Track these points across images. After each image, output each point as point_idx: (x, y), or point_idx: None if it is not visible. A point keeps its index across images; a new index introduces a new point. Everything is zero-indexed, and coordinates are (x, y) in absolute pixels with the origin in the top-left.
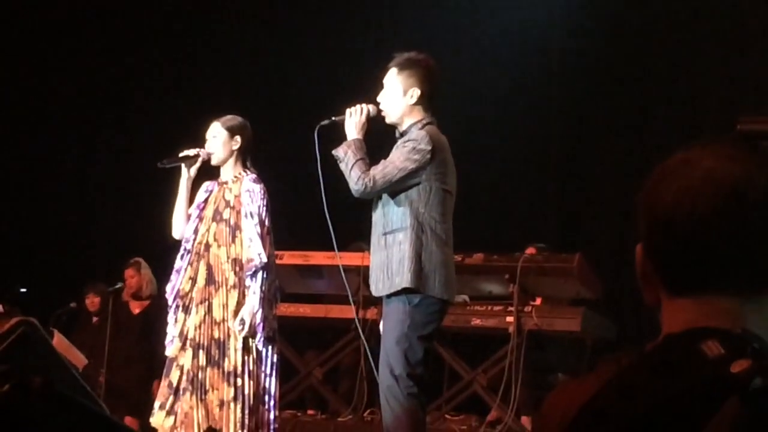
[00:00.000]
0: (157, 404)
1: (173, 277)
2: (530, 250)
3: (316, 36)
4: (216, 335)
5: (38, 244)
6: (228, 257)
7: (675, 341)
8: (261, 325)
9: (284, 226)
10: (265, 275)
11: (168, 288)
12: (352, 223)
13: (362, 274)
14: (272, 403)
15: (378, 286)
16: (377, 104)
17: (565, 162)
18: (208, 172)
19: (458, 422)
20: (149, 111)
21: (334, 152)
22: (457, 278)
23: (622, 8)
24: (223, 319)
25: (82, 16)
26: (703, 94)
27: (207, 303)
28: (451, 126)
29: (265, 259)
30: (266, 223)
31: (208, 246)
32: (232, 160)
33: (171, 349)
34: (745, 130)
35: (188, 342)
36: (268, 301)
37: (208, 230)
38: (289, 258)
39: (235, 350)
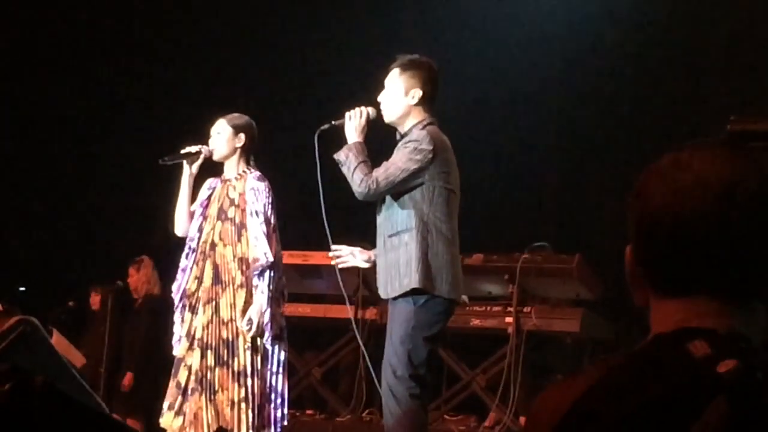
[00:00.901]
0: (165, 404)
1: (179, 276)
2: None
3: (325, 34)
4: (224, 335)
5: (38, 243)
6: (234, 256)
7: (663, 341)
8: (269, 324)
9: (284, 226)
10: (272, 274)
11: (174, 287)
12: (355, 224)
13: (361, 274)
14: (279, 401)
15: (387, 289)
16: (377, 105)
17: (564, 163)
18: (212, 168)
19: (457, 423)
20: (152, 108)
21: (335, 156)
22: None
23: (623, 13)
24: (231, 319)
25: (87, 12)
26: (704, 93)
27: (214, 303)
28: (451, 127)
29: (271, 258)
30: (272, 221)
31: (213, 245)
32: (235, 158)
33: (178, 349)
34: (735, 131)
35: (196, 342)
36: (275, 299)
37: (213, 229)
38: (289, 258)
39: (244, 350)
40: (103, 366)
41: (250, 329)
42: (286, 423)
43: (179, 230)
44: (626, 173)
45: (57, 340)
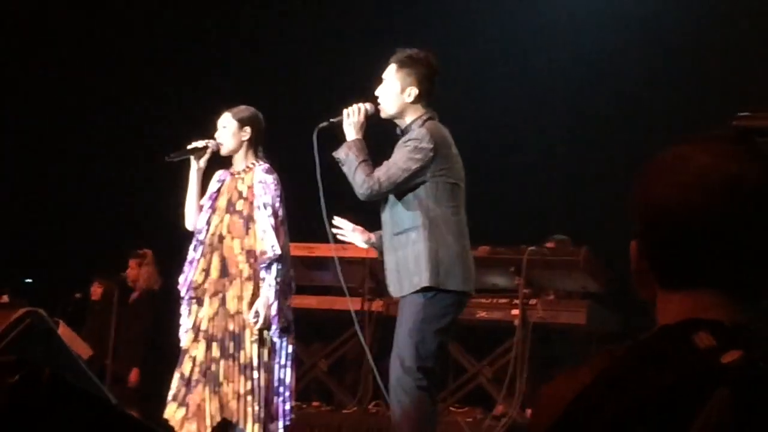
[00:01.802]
0: (169, 396)
1: (186, 268)
2: (550, 244)
3: (331, 26)
4: (230, 327)
5: (44, 235)
6: (242, 249)
7: (667, 332)
8: (276, 316)
9: (290, 218)
10: (279, 266)
11: (180, 279)
12: (360, 221)
13: (368, 265)
14: (287, 394)
15: (396, 287)
16: (375, 98)
17: (572, 155)
18: (221, 161)
19: (463, 414)
20: (158, 101)
21: (335, 155)
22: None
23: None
24: (238, 311)
25: (91, 4)
26: (707, 88)
27: (221, 295)
28: (458, 120)
29: (278, 251)
30: (279, 213)
31: (221, 238)
32: (242, 151)
33: (184, 340)
34: (740, 126)
35: (201, 334)
36: (282, 292)
37: (221, 222)
38: (295, 250)
39: (251, 342)
40: (110, 358)
41: (257, 322)
42: (293, 416)
43: (189, 225)
44: (634, 166)
45: (63, 331)
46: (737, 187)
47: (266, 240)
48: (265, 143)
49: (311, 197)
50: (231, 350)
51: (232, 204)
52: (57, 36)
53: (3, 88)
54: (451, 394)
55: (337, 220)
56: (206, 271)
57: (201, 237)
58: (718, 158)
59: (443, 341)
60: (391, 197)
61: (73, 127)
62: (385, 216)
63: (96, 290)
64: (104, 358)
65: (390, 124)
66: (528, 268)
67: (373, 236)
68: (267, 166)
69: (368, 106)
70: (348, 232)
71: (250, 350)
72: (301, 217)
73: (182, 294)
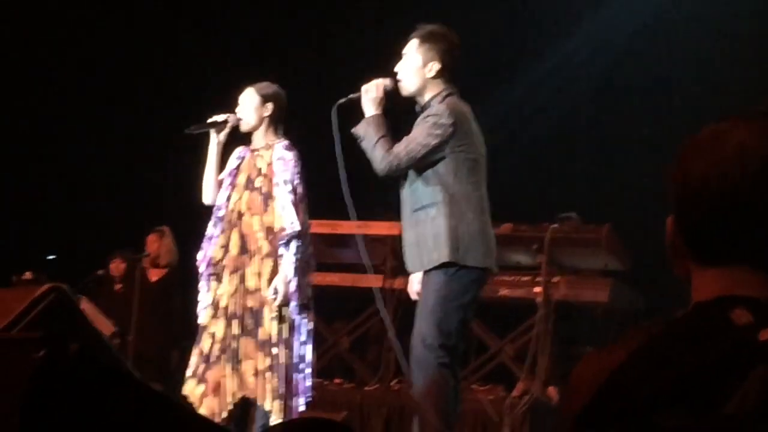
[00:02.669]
0: (188, 372)
1: (204, 244)
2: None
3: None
4: (249, 304)
5: (66, 211)
6: (261, 226)
7: (703, 310)
8: (295, 293)
9: (311, 195)
10: (298, 243)
11: (199, 256)
12: (382, 197)
13: (390, 243)
14: (308, 370)
15: (414, 263)
16: (395, 75)
17: (594, 132)
18: (241, 138)
19: (485, 392)
20: (178, 75)
21: (353, 131)
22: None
23: None
24: (257, 288)
25: None
26: (730, 66)
27: (240, 272)
28: (479, 94)
29: (297, 228)
30: (299, 190)
31: (240, 215)
32: (263, 127)
33: (203, 316)
34: None
35: (220, 311)
36: (301, 269)
37: (240, 198)
38: (317, 227)
39: (270, 319)
40: (132, 334)
41: (275, 298)
42: (314, 392)
43: (207, 199)
44: (657, 143)
45: (86, 307)
46: None
47: (285, 216)
48: (286, 121)
49: (333, 174)
50: (250, 327)
51: (251, 181)
52: (75, 9)
53: (23, 62)
54: (473, 372)
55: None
56: (225, 248)
57: (220, 214)
58: (755, 136)
59: (465, 318)
60: (411, 173)
61: (94, 102)
62: (405, 192)
63: (118, 266)
64: (126, 334)
65: (409, 103)
66: (551, 246)
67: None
68: (287, 143)
69: (387, 81)
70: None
71: (269, 327)
72: (323, 195)
73: (201, 270)
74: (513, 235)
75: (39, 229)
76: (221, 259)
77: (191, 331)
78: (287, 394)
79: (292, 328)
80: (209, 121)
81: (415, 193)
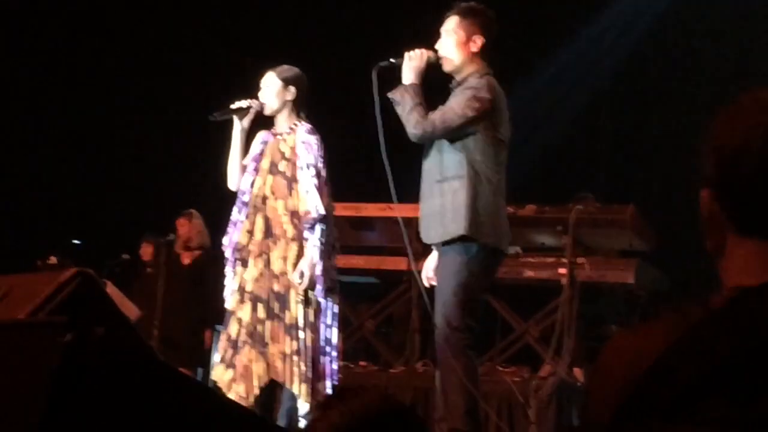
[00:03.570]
0: (217, 357)
1: (229, 229)
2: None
3: None
4: (275, 288)
5: (91, 196)
6: (286, 209)
7: (750, 296)
8: (320, 277)
9: (336, 178)
10: (323, 227)
11: (225, 240)
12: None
13: (415, 226)
14: (334, 353)
15: (430, 233)
16: (436, 51)
17: (618, 113)
18: (264, 122)
19: (510, 374)
20: (201, 62)
21: (390, 95)
22: (511, 230)
23: None
24: (283, 272)
25: None
26: (747, 50)
27: (265, 256)
28: (502, 77)
29: (322, 212)
30: (323, 174)
31: (265, 199)
32: (286, 111)
33: (230, 302)
34: None
35: (246, 295)
36: (326, 252)
37: (264, 183)
38: (342, 210)
39: (296, 303)
40: (157, 319)
41: (301, 282)
42: (341, 376)
43: (232, 184)
44: (680, 123)
45: (112, 292)
46: None
47: (310, 200)
48: (309, 104)
49: (359, 157)
50: (276, 311)
51: (275, 165)
52: (100, 8)
53: (51, 57)
54: (499, 354)
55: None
56: (251, 233)
57: (245, 198)
58: None
59: (485, 298)
60: (438, 144)
61: (119, 91)
62: (429, 163)
63: (146, 250)
64: (153, 318)
65: (442, 79)
66: (575, 227)
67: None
68: (310, 126)
69: (431, 53)
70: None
71: (296, 310)
72: (348, 177)
73: (227, 255)
74: (537, 217)
75: (64, 214)
76: (247, 244)
77: (223, 315)
78: (314, 378)
79: (318, 312)
80: (232, 107)
81: (441, 164)
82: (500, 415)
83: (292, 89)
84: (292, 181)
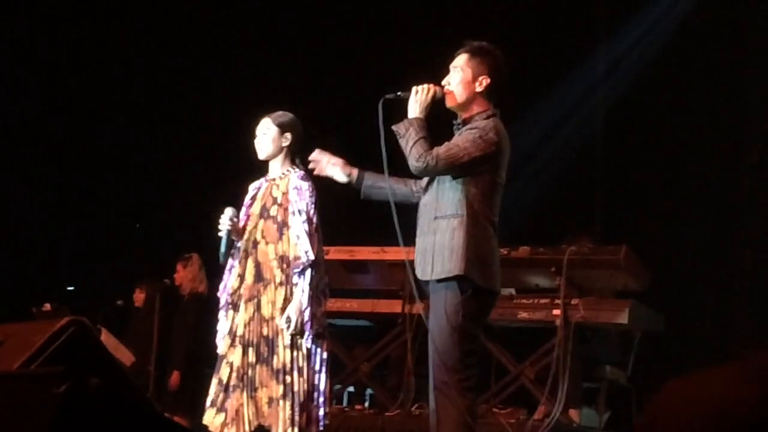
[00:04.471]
0: (208, 401)
1: (225, 275)
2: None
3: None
4: (265, 332)
5: (86, 243)
6: (276, 254)
7: None
8: (309, 323)
9: (330, 222)
10: (313, 273)
11: (220, 287)
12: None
13: (409, 268)
14: (321, 399)
15: (426, 270)
16: (442, 87)
17: (610, 155)
18: (259, 169)
19: (506, 416)
20: (199, 105)
21: (394, 127)
22: (503, 271)
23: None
24: (272, 317)
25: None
26: (745, 95)
27: (256, 300)
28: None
29: (312, 257)
30: (314, 220)
31: (256, 243)
32: (281, 157)
33: (221, 346)
34: None
35: (237, 339)
36: (316, 298)
37: (256, 227)
38: (336, 253)
39: (284, 347)
40: (152, 364)
41: (288, 327)
42: (327, 422)
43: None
44: (672, 165)
45: (106, 338)
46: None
47: (300, 245)
48: (303, 150)
49: (351, 201)
50: (265, 355)
51: (266, 209)
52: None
53: (43, 104)
54: (494, 396)
55: (315, 153)
56: (242, 277)
57: (238, 244)
58: (733, 396)
59: (479, 339)
60: (440, 181)
61: (117, 136)
62: (428, 198)
63: (138, 296)
64: (147, 364)
65: (448, 116)
66: (569, 268)
67: (354, 171)
68: (302, 173)
69: (438, 89)
70: (326, 165)
71: (283, 355)
72: (341, 221)
73: (221, 301)
74: (531, 258)
75: (57, 261)
76: (239, 288)
77: (211, 360)
78: (301, 423)
79: (306, 357)
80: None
81: (440, 200)
82: None
83: (288, 135)
84: (282, 225)
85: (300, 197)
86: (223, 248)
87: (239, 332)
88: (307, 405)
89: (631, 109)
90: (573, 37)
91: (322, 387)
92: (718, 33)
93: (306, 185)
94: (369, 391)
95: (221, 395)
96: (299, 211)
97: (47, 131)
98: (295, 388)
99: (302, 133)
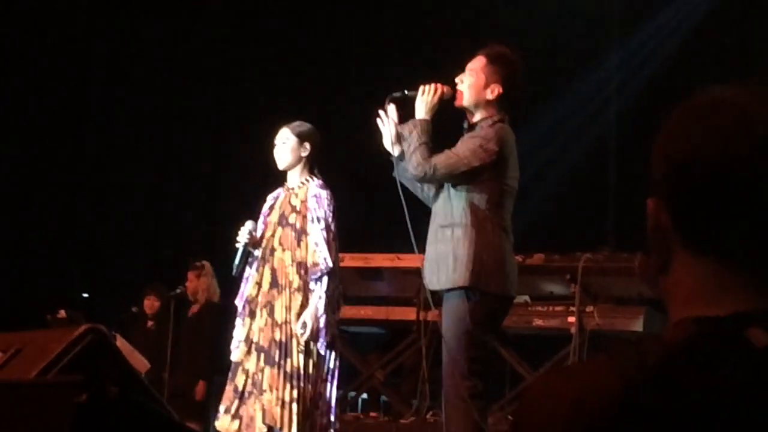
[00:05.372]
0: (222, 408)
1: (242, 284)
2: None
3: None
4: (277, 337)
5: (100, 249)
6: (293, 260)
7: (716, 328)
8: (323, 329)
9: (345, 229)
10: (329, 280)
11: (239, 296)
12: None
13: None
14: (326, 408)
15: (433, 280)
16: (454, 85)
17: (623, 162)
18: (274, 178)
19: None
20: (214, 112)
21: (398, 128)
22: (519, 279)
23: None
24: (286, 321)
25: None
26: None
27: (270, 305)
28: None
29: (330, 264)
30: (332, 228)
31: (273, 250)
32: (300, 167)
33: (236, 353)
34: None
35: (253, 346)
36: (331, 306)
37: (273, 235)
38: (350, 261)
39: (297, 352)
40: (167, 371)
41: (304, 332)
42: (333, 430)
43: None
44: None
45: (121, 345)
46: None
47: (319, 253)
48: (321, 160)
49: (367, 208)
50: (276, 358)
51: (284, 217)
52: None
53: (56, 109)
54: (509, 403)
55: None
56: (259, 284)
57: (256, 253)
58: (759, 103)
59: (491, 345)
60: (448, 189)
61: (131, 143)
62: (437, 206)
63: (153, 304)
64: (161, 371)
65: (456, 117)
66: (583, 275)
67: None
68: (321, 182)
69: (446, 89)
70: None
71: (297, 360)
72: (356, 228)
73: (239, 308)
74: (545, 266)
75: (74, 267)
76: (256, 296)
77: (224, 367)
78: (307, 429)
79: (316, 364)
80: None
81: (446, 208)
82: None
83: (307, 145)
84: (301, 233)
85: (319, 205)
86: (237, 260)
87: (254, 339)
88: (311, 412)
89: (646, 110)
90: (586, 46)
91: (328, 395)
92: (733, 37)
93: (325, 194)
94: (383, 398)
95: (236, 402)
96: (318, 219)
97: (62, 139)
98: (306, 394)
99: (320, 143)
